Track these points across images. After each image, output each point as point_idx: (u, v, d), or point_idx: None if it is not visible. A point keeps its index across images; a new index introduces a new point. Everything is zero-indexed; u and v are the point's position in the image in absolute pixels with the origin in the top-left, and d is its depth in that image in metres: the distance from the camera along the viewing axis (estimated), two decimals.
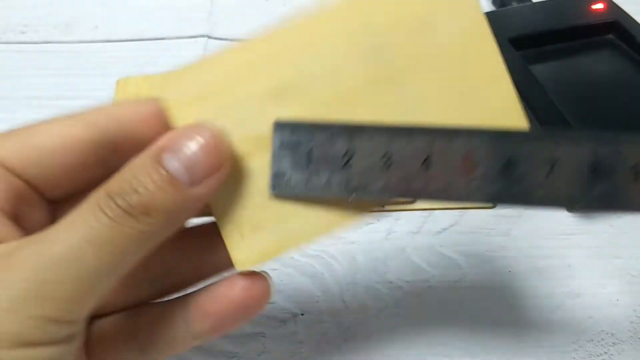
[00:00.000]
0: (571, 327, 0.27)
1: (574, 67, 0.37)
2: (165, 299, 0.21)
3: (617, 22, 0.38)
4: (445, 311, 0.28)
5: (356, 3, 0.19)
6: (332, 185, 0.18)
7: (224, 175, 0.18)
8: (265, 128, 0.18)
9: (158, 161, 0.17)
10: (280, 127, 0.18)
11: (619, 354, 0.26)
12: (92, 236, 0.16)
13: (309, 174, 0.18)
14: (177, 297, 0.20)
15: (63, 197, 0.19)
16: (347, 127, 0.18)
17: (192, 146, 0.17)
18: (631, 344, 0.27)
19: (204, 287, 0.20)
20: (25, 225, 0.18)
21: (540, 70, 0.36)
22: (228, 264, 0.19)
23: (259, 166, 0.18)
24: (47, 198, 0.19)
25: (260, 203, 0.18)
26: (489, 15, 0.40)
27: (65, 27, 0.42)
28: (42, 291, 0.15)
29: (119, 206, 0.16)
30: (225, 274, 0.19)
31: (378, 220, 0.31)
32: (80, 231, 0.16)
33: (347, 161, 0.18)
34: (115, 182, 0.16)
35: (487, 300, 0.28)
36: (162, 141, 0.17)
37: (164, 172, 0.16)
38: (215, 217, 0.19)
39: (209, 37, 0.41)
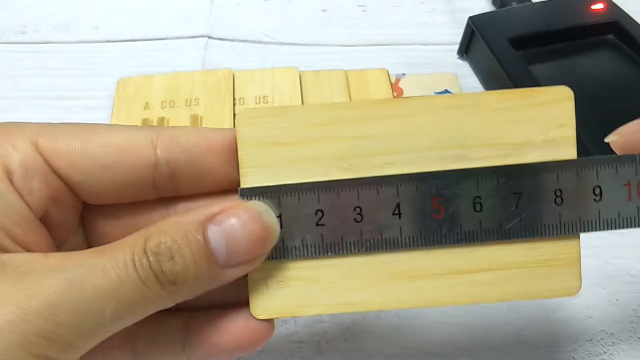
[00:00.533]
0: (571, 327, 0.27)
1: (574, 67, 0.37)
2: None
3: (617, 22, 0.38)
4: (445, 311, 0.28)
5: (458, 106, 0.18)
6: (307, 246, 0.18)
7: (259, 265, 0.17)
8: None
9: (203, 230, 0.16)
10: (246, 194, 0.18)
11: (619, 353, 0.26)
12: (118, 292, 0.15)
13: (282, 238, 0.18)
14: (179, 313, 0.20)
15: (99, 203, 0.19)
16: (314, 187, 0.18)
17: (242, 230, 0.17)
18: (631, 343, 0.27)
19: (208, 313, 0.19)
20: (52, 223, 0.18)
21: (540, 70, 0.36)
22: (240, 298, 0.19)
23: None
24: (82, 201, 0.19)
25: (294, 262, 0.18)
26: (489, 15, 0.40)
27: (65, 27, 0.42)
28: (55, 334, 0.15)
29: (151, 268, 0.16)
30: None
31: None
32: (110, 282, 0.15)
33: (319, 219, 0.18)
34: (156, 236, 0.16)
35: None
36: (215, 209, 0.17)
37: (204, 245, 0.16)
38: None
39: (209, 37, 0.41)
